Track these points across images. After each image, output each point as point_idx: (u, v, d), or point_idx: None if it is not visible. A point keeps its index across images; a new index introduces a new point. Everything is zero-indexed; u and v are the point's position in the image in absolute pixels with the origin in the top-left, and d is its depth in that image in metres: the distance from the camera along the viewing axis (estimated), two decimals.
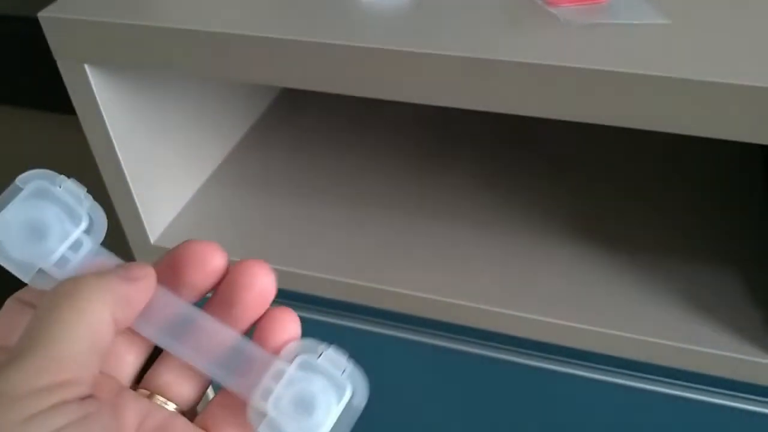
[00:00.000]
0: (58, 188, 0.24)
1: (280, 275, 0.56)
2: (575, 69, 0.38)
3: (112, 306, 0.23)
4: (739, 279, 0.53)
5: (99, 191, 0.56)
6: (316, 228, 0.59)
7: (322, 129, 0.71)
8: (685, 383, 0.52)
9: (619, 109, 0.38)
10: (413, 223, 0.59)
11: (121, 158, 0.52)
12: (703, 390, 0.52)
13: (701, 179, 0.62)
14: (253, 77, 0.44)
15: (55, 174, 0.24)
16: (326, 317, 0.59)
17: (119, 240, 0.60)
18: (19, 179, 0.24)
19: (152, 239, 0.58)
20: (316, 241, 0.58)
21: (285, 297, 0.60)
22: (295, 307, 0.65)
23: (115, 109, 0.51)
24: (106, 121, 0.50)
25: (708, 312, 0.50)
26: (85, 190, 0.25)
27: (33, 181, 0.24)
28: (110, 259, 0.25)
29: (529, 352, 0.55)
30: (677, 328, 0.49)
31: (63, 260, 0.24)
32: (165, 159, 0.58)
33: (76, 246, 0.24)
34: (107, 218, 0.25)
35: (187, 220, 0.61)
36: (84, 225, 0.24)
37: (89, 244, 0.24)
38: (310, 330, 0.69)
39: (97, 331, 0.22)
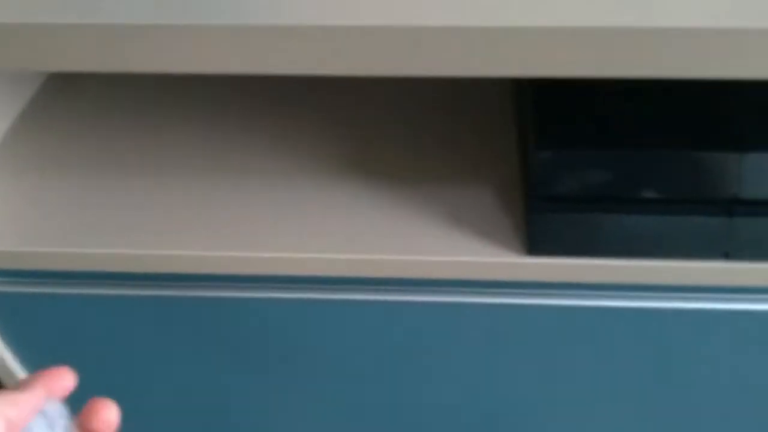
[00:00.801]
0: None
1: (57, 257, 0.57)
2: (331, 27, 0.40)
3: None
4: (491, 194, 0.60)
5: None
6: (91, 205, 0.61)
7: (97, 106, 0.71)
8: (453, 288, 0.59)
9: (361, 61, 0.42)
10: (192, 185, 0.62)
11: None
12: (473, 293, 0.59)
13: (454, 112, 0.69)
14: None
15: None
16: (118, 290, 0.61)
17: None
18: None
19: None
20: (89, 218, 0.59)
21: (60, 277, 0.61)
22: (74, 286, 0.64)
23: None
24: None
25: (469, 226, 0.57)
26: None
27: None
28: None
29: (317, 286, 0.60)
30: (444, 243, 0.56)
31: None
32: None
33: None
34: None
35: None
36: None
37: None
38: (97, 308, 0.67)
39: None
